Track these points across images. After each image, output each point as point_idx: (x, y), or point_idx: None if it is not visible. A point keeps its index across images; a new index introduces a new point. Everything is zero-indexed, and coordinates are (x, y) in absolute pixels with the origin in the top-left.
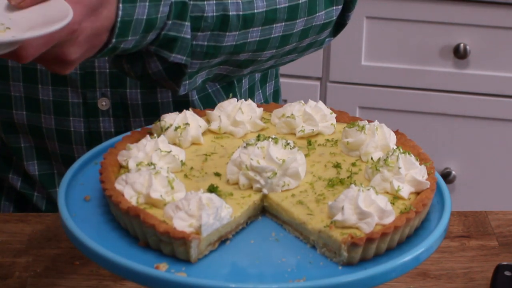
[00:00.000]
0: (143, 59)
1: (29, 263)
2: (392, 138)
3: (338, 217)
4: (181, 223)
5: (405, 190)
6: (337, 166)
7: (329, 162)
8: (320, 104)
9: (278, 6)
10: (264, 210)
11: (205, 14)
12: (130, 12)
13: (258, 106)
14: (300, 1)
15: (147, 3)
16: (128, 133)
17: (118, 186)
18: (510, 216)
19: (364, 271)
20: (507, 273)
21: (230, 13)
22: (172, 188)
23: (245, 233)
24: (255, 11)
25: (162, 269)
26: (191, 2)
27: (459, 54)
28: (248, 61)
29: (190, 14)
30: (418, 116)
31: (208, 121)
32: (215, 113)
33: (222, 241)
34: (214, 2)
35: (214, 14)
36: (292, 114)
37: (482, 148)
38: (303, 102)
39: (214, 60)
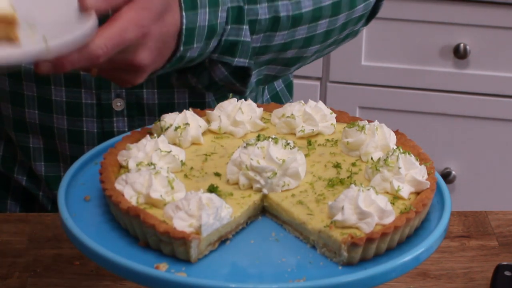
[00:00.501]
0: (207, 69)
1: (29, 263)
2: (392, 138)
3: (338, 217)
4: (181, 223)
5: (405, 190)
6: (337, 166)
7: (329, 162)
8: (320, 104)
9: (323, 4)
10: (264, 210)
11: (259, 18)
12: (193, 19)
13: (258, 106)
14: None
15: (207, 9)
16: (128, 133)
17: (118, 186)
18: (510, 216)
19: (364, 271)
20: (507, 273)
21: (281, 15)
22: (172, 188)
23: (245, 233)
24: (303, 10)
25: (162, 269)
26: (246, 7)
27: (459, 54)
28: (295, 58)
29: (246, 18)
30: (418, 116)
31: (208, 121)
32: (215, 113)
33: (222, 241)
34: (266, 4)
35: (267, 16)
36: (292, 114)
37: (482, 148)
38: (303, 102)
39: (262, 57)
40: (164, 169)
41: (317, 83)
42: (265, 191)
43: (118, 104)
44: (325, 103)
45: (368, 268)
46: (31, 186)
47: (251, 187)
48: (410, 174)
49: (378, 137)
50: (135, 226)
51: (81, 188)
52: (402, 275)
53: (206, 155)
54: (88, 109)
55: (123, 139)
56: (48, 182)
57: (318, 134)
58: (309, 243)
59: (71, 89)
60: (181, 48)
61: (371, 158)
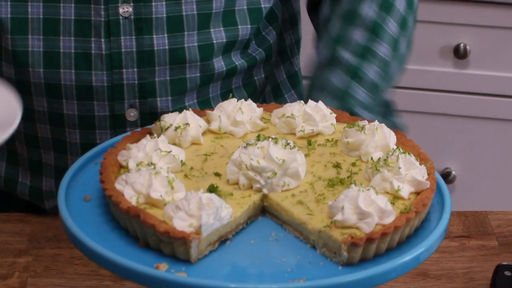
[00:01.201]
0: None
1: (29, 263)
2: (392, 138)
3: (338, 217)
4: (181, 223)
5: (405, 190)
6: (337, 166)
7: (329, 162)
8: (320, 104)
9: (403, 53)
10: (264, 210)
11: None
12: None
13: (258, 106)
14: (409, 31)
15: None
16: (128, 133)
17: (118, 186)
18: (510, 216)
19: (364, 271)
20: (507, 273)
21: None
22: (172, 188)
23: (245, 233)
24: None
25: (162, 269)
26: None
27: (459, 54)
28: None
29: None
30: (418, 116)
31: (208, 121)
32: (215, 113)
33: (222, 241)
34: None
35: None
36: (292, 114)
37: (482, 148)
38: (303, 102)
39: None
40: (164, 169)
41: None
42: (265, 191)
43: (132, 115)
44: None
45: (368, 268)
46: (36, 202)
47: (251, 187)
48: (410, 174)
49: (378, 137)
50: (135, 226)
51: (81, 188)
52: (402, 275)
53: (206, 155)
54: (102, 121)
55: (123, 139)
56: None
57: (318, 134)
58: (309, 243)
59: (83, 102)
60: None
61: (371, 158)
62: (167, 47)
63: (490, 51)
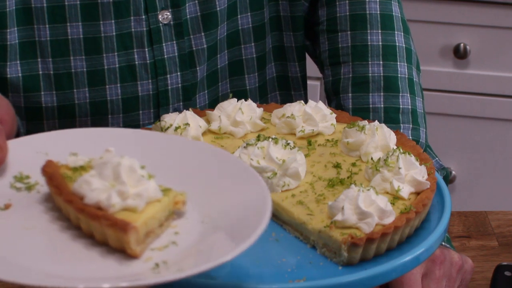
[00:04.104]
0: None
1: None
2: (392, 138)
3: (338, 217)
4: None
5: (405, 190)
6: (337, 166)
7: (329, 162)
8: (320, 104)
9: (415, 80)
10: None
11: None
12: None
13: (258, 106)
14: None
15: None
16: None
17: None
18: (510, 216)
19: (364, 271)
20: (507, 273)
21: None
22: None
23: None
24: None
25: None
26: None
27: (459, 54)
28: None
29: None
30: None
31: (208, 121)
32: (215, 113)
33: None
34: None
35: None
36: (292, 114)
37: (482, 148)
38: (303, 102)
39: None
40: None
41: (317, 83)
42: None
43: None
44: (325, 103)
45: (368, 268)
46: None
47: None
48: (410, 174)
49: (378, 137)
50: None
51: None
52: (402, 275)
53: None
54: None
55: None
56: None
57: (318, 134)
58: (309, 243)
59: (129, 114)
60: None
61: (371, 158)
62: (205, 46)
63: (490, 51)
